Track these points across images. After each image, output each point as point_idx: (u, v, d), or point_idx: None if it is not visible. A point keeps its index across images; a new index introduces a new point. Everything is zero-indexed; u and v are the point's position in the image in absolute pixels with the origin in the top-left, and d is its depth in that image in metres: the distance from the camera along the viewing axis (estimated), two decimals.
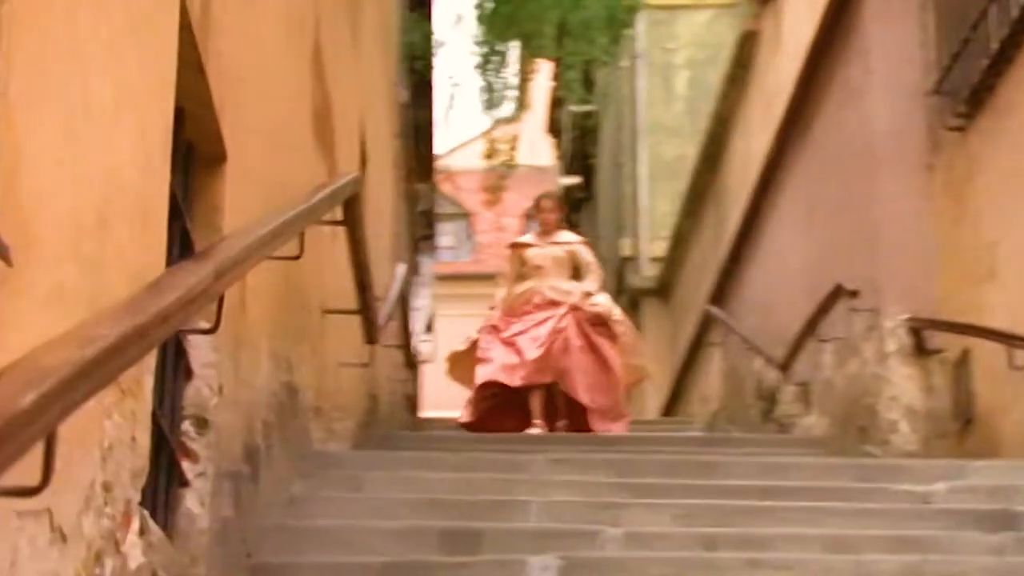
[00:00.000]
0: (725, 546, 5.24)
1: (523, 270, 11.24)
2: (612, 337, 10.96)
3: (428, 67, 18.57)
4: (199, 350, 4.67)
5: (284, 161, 6.08)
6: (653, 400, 19.71)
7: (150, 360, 3.70)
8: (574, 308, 10.90)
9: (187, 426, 4.63)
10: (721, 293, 14.94)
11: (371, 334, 8.04)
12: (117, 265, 3.33)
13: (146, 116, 3.63)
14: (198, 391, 4.65)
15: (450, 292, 40.04)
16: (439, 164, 23.71)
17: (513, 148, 20.56)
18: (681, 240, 18.98)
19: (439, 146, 22.85)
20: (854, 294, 9.56)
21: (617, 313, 11.22)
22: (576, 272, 11.27)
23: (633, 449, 8.33)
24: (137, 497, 3.58)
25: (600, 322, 10.93)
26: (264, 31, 5.81)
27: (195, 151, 4.60)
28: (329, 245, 7.21)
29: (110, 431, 3.26)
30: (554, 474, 6.41)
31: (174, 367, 4.51)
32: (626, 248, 21.83)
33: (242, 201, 4.97)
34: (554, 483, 6.15)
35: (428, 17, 17.89)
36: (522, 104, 22.57)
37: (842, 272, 9.98)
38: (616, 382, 10.89)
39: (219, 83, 4.54)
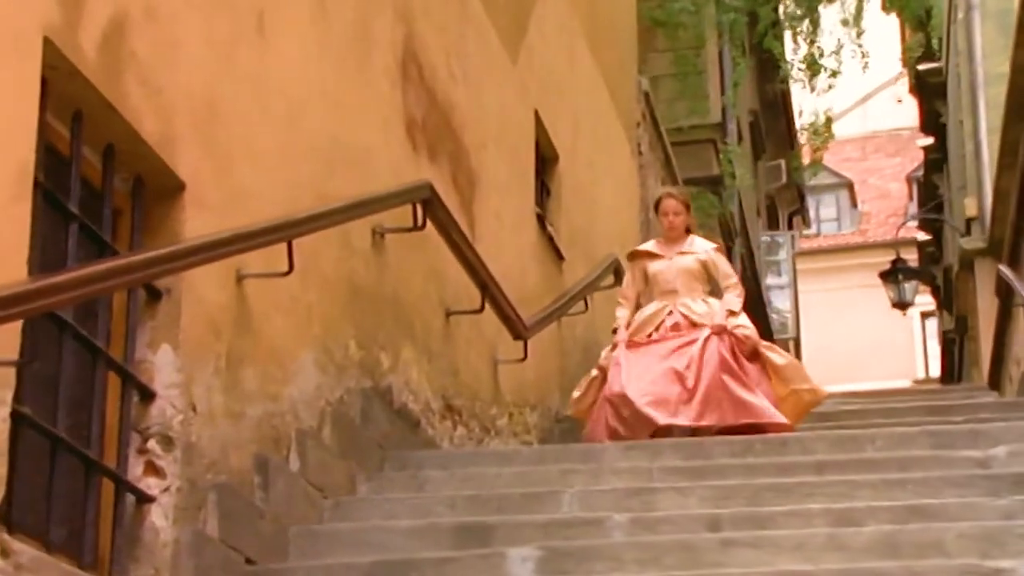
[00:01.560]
0: None
1: (646, 288, 9.02)
2: (763, 369, 8.79)
3: (773, 42, 18.88)
4: (162, 372, 5.00)
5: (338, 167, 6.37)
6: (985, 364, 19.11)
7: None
8: (718, 331, 8.67)
9: (152, 444, 4.97)
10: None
11: (516, 330, 8.24)
12: None
13: None
14: (162, 411, 4.98)
15: (832, 265, 39.66)
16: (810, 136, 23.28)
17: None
18: (1006, 196, 18.31)
19: (809, 117, 22.58)
20: None
21: (764, 343, 8.98)
22: (710, 286, 9.13)
23: None
24: None
25: (750, 353, 8.76)
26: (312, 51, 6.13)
27: None
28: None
29: None
30: None
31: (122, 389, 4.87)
32: (971, 208, 21.20)
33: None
34: None
35: None
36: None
37: None
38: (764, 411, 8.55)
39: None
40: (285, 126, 5.89)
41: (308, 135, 6.11)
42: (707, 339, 8.59)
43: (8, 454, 4.15)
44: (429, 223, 7.02)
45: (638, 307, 8.95)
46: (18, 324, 4.08)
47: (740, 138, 20.24)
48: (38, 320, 4.40)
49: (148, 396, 4.95)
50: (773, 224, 28.82)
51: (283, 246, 5.57)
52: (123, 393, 4.88)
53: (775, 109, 26.73)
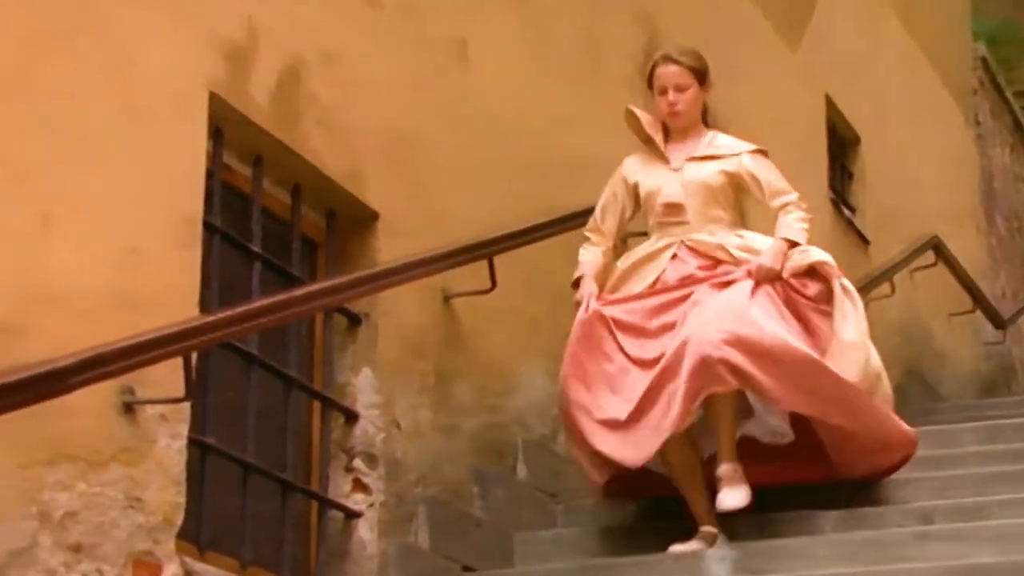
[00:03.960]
0: None
1: (631, 213, 5.83)
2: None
3: None
4: (363, 393, 5.35)
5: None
6: None
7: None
8: (765, 276, 5.45)
9: (358, 462, 5.32)
10: None
11: None
12: None
13: None
14: (364, 430, 5.33)
15: None
16: None
17: None
18: None
19: None
20: None
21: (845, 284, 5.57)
22: (741, 218, 5.79)
23: None
24: (165, 546, 4.32)
25: (822, 295, 5.52)
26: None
27: None
28: None
29: (63, 501, 4.04)
30: None
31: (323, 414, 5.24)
32: None
33: None
34: None
35: None
36: None
37: None
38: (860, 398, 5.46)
39: None
40: (491, 148, 6.15)
41: (520, 153, 6.35)
42: (745, 284, 5.39)
43: (199, 482, 4.58)
44: None
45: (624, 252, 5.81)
46: (194, 357, 4.47)
47: None
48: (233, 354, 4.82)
49: (352, 417, 5.30)
50: None
51: (493, 262, 5.83)
52: (323, 416, 5.25)
53: None
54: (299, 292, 4.85)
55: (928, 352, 11.07)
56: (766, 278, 5.44)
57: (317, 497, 5.13)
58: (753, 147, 5.81)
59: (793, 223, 5.64)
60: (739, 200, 5.75)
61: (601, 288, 5.67)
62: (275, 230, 5.19)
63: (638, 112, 5.79)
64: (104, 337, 3.99)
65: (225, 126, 4.87)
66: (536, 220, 6.13)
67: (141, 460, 4.29)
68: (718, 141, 5.79)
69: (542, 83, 6.62)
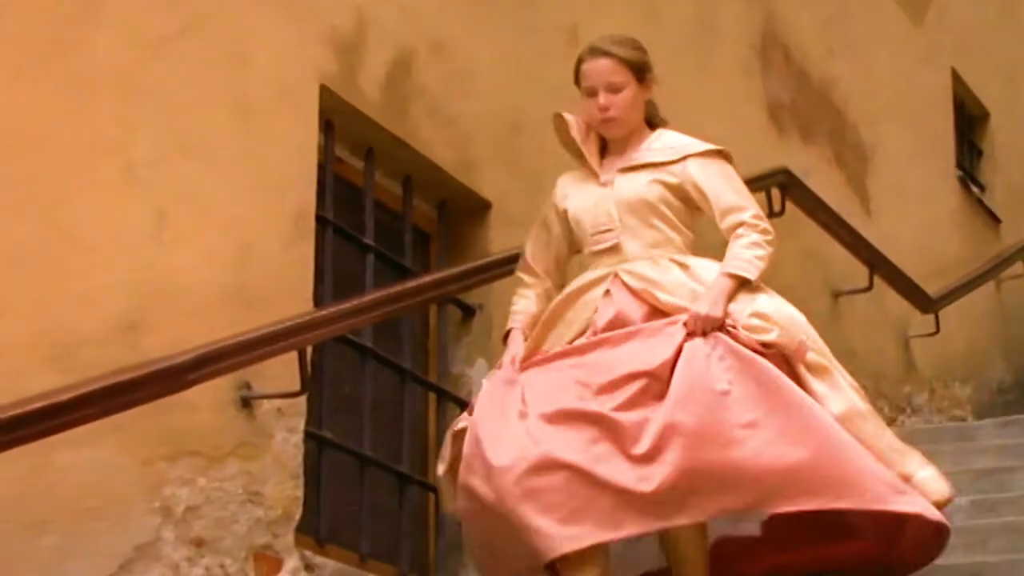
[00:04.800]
0: None
1: (568, 245, 4.73)
2: None
3: None
4: (477, 385, 5.41)
5: None
6: None
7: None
8: (703, 325, 4.31)
9: None
10: None
11: (920, 304, 8.25)
12: None
13: None
14: None
15: None
16: None
17: None
18: None
19: None
20: None
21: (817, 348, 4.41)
22: (685, 236, 4.61)
23: None
24: (284, 540, 4.44)
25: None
26: None
27: None
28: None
29: (185, 496, 4.17)
30: None
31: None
32: None
33: None
34: None
35: None
36: None
37: None
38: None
39: None
40: None
41: None
42: (682, 344, 4.26)
43: (316, 475, 4.70)
44: (792, 207, 7.16)
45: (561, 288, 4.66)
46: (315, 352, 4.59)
47: None
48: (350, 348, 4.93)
49: (467, 408, 5.39)
50: None
51: None
52: (438, 408, 5.35)
53: None
54: (412, 284, 4.95)
55: None
56: (703, 330, 4.23)
57: (434, 489, 5.23)
58: (703, 147, 4.60)
59: (744, 251, 4.37)
60: (694, 216, 4.60)
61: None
62: (387, 222, 5.29)
63: (568, 117, 4.67)
64: (220, 333, 4.11)
65: (336, 119, 4.98)
66: None
67: (259, 454, 4.41)
68: (659, 142, 4.63)
69: (654, 66, 6.65)
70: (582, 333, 4.45)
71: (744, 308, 4.30)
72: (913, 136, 9.19)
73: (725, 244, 4.47)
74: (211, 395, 4.21)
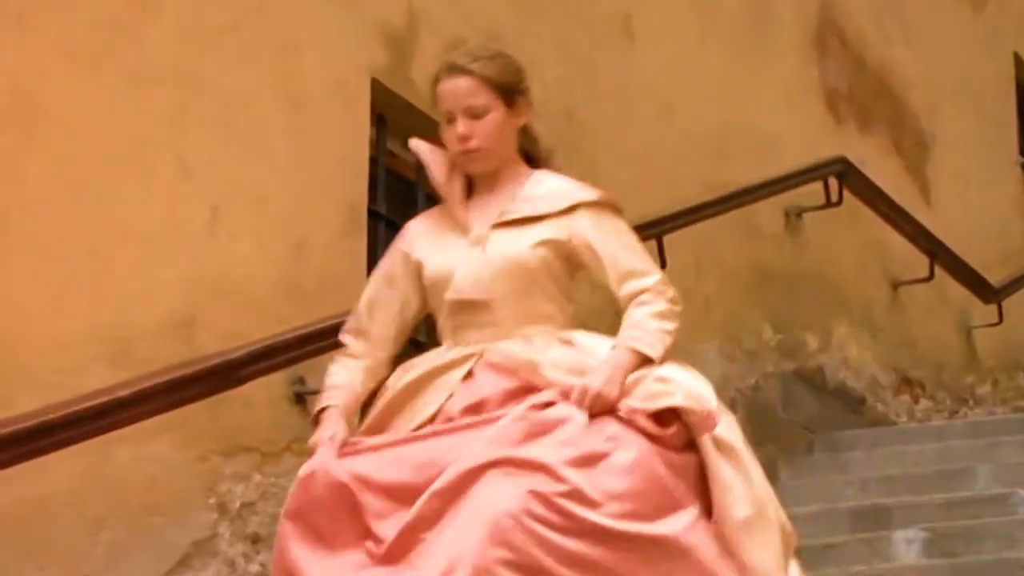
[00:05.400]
0: None
1: (418, 307, 3.79)
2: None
3: None
4: None
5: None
6: None
7: None
8: (594, 403, 3.45)
9: None
10: None
11: (982, 293, 8.24)
12: None
13: None
14: None
15: None
16: None
17: None
18: None
19: None
20: None
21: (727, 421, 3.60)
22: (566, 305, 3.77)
23: None
24: None
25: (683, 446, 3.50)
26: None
27: None
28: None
29: (240, 492, 4.23)
30: None
31: None
32: None
33: None
34: None
35: None
36: None
37: None
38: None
39: None
40: (658, 123, 6.24)
41: (689, 127, 6.43)
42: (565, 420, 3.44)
43: None
44: (850, 196, 7.17)
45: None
46: None
47: None
48: None
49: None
50: None
51: (662, 242, 5.92)
52: None
53: None
54: None
55: None
56: (593, 409, 3.43)
57: None
58: (595, 196, 3.72)
59: (649, 322, 3.61)
60: (573, 282, 3.76)
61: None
62: None
63: (421, 147, 3.82)
64: (273, 328, 4.17)
65: (388, 112, 5.03)
66: (705, 197, 6.21)
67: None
68: (541, 189, 3.75)
69: (709, 55, 6.70)
70: (431, 420, 3.57)
71: (645, 375, 3.48)
72: (974, 123, 9.17)
73: (612, 312, 3.70)
74: (265, 391, 4.26)
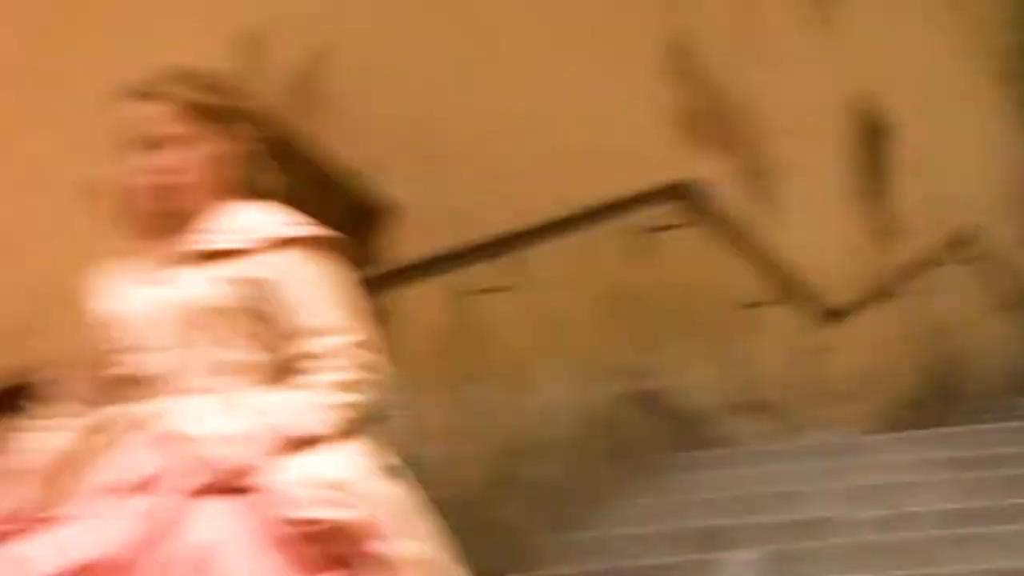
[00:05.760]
0: None
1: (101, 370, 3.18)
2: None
3: None
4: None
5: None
6: None
7: None
8: (200, 486, 2.97)
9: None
10: None
11: (821, 318, 8.42)
12: None
13: None
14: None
15: None
16: None
17: None
18: None
19: None
20: None
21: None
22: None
23: None
24: None
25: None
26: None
27: None
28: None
29: None
30: None
31: None
32: None
33: None
34: None
35: None
36: None
37: None
38: None
39: None
40: (515, 139, 6.30)
41: (545, 145, 6.49)
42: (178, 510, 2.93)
43: None
44: (699, 219, 7.27)
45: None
46: None
47: None
48: None
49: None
50: None
51: (518, 258, 5.98)
52: None
53: None
54: None
55: None
56: (201, 489, 2.95)
57: None
58: (303, 232, 3.16)
59: (320, 393, 3.06)
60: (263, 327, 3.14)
61: None
62: None
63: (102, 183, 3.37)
64: None
65: None
66: (560, 215, 6.28)
67: None
68: (239, 221, 3.17)
69: (567, 73, 6.77)
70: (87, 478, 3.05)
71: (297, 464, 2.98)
72: (824, 149, 9.32)
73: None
74: None
